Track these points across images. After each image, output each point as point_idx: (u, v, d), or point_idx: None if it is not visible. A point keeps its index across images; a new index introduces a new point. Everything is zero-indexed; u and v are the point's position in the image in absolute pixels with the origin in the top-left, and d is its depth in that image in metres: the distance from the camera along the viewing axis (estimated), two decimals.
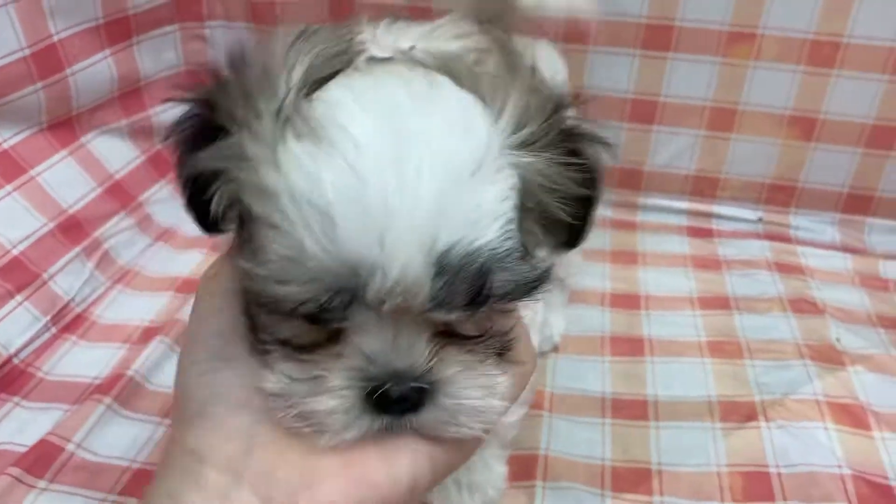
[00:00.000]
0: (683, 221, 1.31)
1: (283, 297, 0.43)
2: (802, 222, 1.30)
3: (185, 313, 1.02)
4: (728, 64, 1.21)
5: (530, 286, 0.47)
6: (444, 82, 0.48)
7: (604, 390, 0.98)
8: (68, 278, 1.04)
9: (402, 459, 0.48)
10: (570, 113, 0.52)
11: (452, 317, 0.45)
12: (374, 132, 0.44)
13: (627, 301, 1.13)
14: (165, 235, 1.20)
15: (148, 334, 1.01)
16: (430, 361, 0.47)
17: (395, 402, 0.46)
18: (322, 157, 0.43)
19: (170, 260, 1.16)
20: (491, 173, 0.45)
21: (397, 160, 0.43)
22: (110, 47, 1.14)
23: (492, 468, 0.74)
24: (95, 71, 1.13)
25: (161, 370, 0.96)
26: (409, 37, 0.59)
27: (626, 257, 1.23)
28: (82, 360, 0.97)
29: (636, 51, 1.21)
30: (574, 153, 0.50)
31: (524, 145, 0.47)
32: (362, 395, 0.46)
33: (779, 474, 0.86)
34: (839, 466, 0.86)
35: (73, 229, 1.07)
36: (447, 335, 0.48)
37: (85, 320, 1.03)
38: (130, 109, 1.21)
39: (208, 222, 0.50)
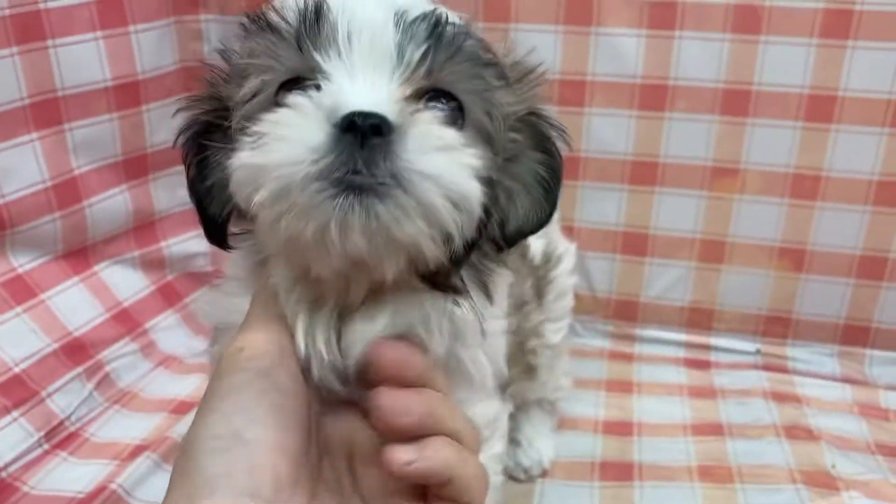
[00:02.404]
0: (681, 353, 1.32)
1: (278, 25, 0.52)
2: (801, 354, 1.29)
3: (177, 432, 1.05)
4: (714, 197, 1.25)
5: (490, 61, 0.54)
6: None
7: None
8: (66, 397, 1.07)
9: None
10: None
11: (419, 53, 0.50)
12: None
13: (620, 428, 1.12)
14: (167, 361, 1.23)
15: (137, 451, 1.02)
16: (398, 107, 0.48)
17: (357, 125, 0.45)
18: None
19: (169, 383, 1.18)
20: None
21: None
22: (127, 182, 1.22)
23: None
24: (112, 204, 1.20)
25: (145, 485, 0.96)
26: None
27: (622, 386, 1.22)
28: (70, 476, 0.98)
29: (624, 185, 1.26)
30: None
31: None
32: (323, 124, 0.46)
33: None
34: None
35: (76, 351, 1.11)
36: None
37: (78, 437, 1.05)
38: (143, 241, 1.28)
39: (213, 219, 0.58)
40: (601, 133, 1.24)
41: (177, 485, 0.47)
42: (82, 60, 1.11)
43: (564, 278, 1.02)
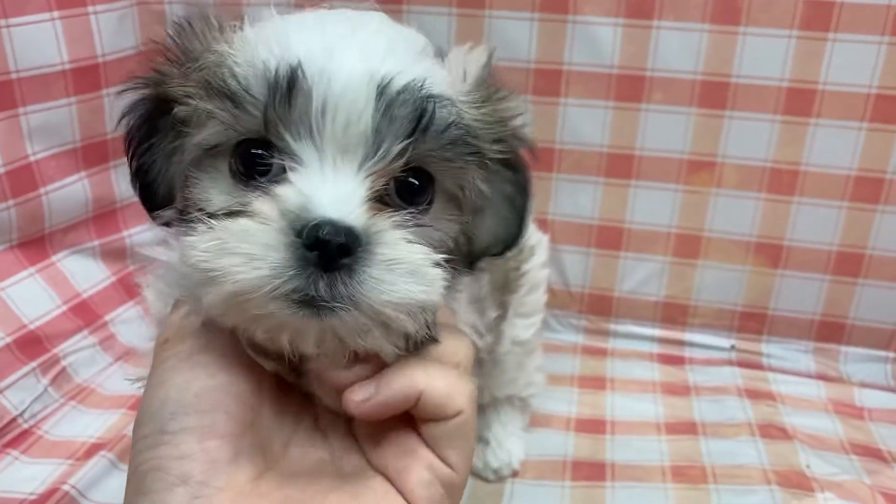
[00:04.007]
0: (655, 349, 1.30)
1: (240, 95, 0.47)
2: (776, 350, 1.27)
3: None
4: (690, 191, 1.23)
5: (471, 148, 0.50)
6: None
7: None
8: (20, 393, 1.03)
9: None
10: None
11: (395, 151, 0.46)
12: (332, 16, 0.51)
13: (593, 426, 1.10)
14: (127, 355, 1.19)
15: (93, 450, 0.98)
16: (366, 215, 0.45)
17: (324, 244, 0.43)
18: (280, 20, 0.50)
19: (127, 378, 1.14)
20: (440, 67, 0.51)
21: (356, 24, 0.50)
22: (86, 170, 1.18)
23: None
24: (70, 192, 1.16)
25: (100, 485, 0.92)
26: None
27: (595, 382, 1.20)
28: (21, 476, 0.94)
29: (599, 178, 1.24)
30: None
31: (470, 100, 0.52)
32: (288, 234, 0.44)
33: None
34: None
35: (31, 344, 1.07)
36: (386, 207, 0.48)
37: (31, 435, 1.01)
38: (104, 230, 1.23)
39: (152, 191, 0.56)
40: (577, 124, 1.21)
41: (126, 487, 0.48)
42: (38, 42, 1.06)
43: (537, 271, 0.99)
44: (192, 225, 0.47)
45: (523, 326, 0.97)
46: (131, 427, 1.00)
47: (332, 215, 0.44)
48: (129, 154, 0.56)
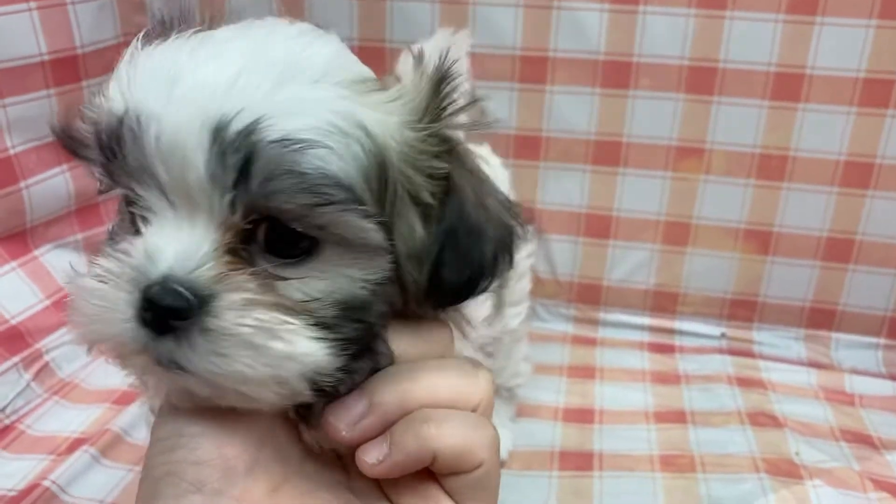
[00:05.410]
0: (645, 337, 1.29)
1: (82, 146, 0.45)
2: (766, 338, 1.27)
3: (117, 424, 1.00)
4: (678, 178, 1.22)
5: (332, 196, 0.41)
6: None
7: None
8: (2, 389, 1.02)
9: None
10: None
11: (227, 201, 0.41)
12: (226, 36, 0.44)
13: (581, 415, 1.09)
14: None
15: (75, 445, 0.97)
16: (212, 273, 0.41)
17: (151, 304, 0.41)
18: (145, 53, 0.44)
19: (112, 373, 1.12)
20: (332, 92, 0.43)
21: (213, 52, 0.43)
22: (68, 162, 1.16)
23: None
24: (52, 185, 1.14)
25: (82, 480, 0.91)
26: None
27: (584, 372, 1.20)
28: (2, 472, 0.92)
29: (587, 166, 1.23)
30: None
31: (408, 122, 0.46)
32: (132, 291, 0.41)
33: None
34: None
35: (13, 339, 1.06)
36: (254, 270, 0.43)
37: (13, 430, 1.00)
38: (86, 224, 1.22)
39: None
40: (564, 111, 1.20)
41: (138, 492, 0.46)
42: (15, 32, 1.04)
43: (523, 260, 0.98)
44: None
45: (510, 315, 0.96)
46: (115, 421, 1.00)
47: (170, 273, 0.41)
48: None
